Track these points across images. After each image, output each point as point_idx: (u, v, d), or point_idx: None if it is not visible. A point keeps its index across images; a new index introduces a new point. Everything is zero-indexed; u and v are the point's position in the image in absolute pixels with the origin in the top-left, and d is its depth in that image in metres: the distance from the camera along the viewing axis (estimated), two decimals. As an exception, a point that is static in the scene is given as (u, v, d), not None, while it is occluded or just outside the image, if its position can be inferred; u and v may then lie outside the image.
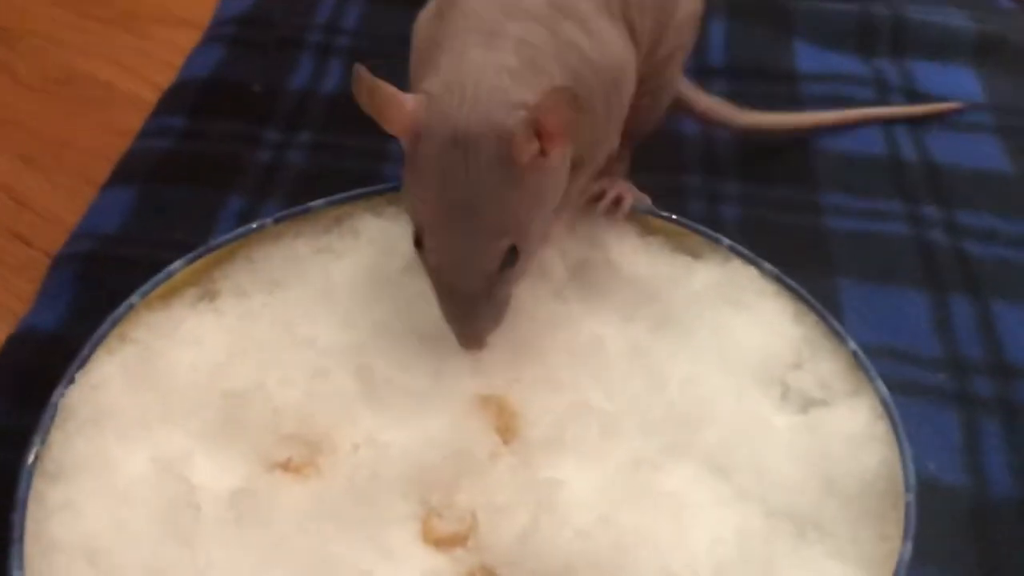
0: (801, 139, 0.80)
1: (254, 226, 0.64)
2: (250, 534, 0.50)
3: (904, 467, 0.53)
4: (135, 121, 0.80)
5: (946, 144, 0.80)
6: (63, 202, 0.75)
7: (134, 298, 0.59)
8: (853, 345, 0.59)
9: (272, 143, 0.78)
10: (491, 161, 0.51)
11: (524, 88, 0.52)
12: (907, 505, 0.51)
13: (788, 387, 0.59)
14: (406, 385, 0.55)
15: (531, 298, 0.59)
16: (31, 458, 0.51)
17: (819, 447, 0.55)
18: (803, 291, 0.61)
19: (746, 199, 0.75)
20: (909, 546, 0.50)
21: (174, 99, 0.82)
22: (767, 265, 0.63)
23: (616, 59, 0.59)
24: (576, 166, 0.58)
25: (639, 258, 0.64)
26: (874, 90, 0.85)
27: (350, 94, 0.82)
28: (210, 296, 0.62)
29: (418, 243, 0.54)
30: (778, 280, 0.62)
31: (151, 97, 0.83)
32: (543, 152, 0.52)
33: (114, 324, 0.58)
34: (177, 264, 0.61)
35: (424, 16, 0.60)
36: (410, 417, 0.54)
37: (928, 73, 0.86)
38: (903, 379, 0.63)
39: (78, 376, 0.55)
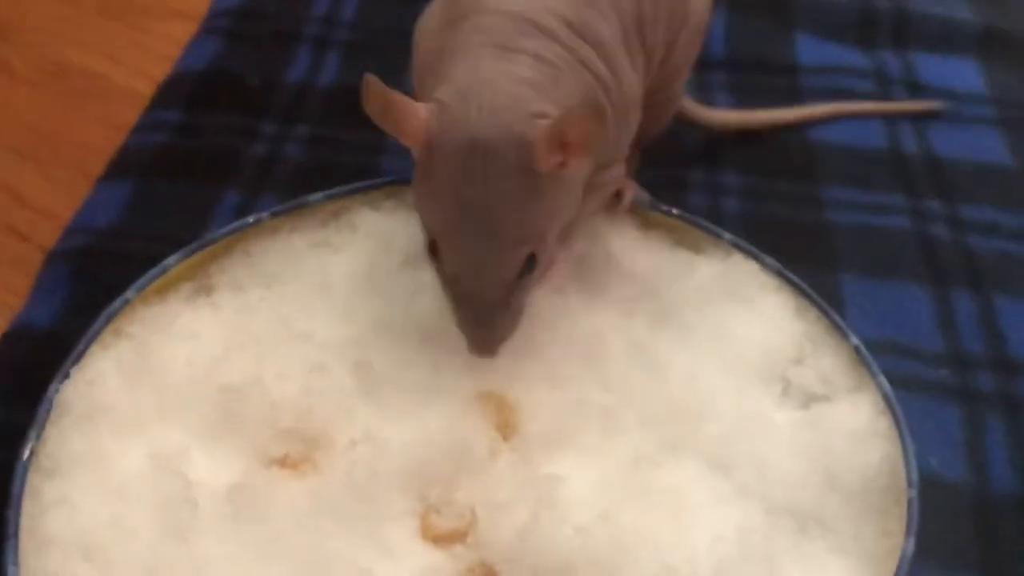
0: (802, 133, 0.79)
1: (251, 220, 0.63)
2: (247, 530, 0.50)
3: (906, 463, 0.53)
4: (131, 115, 0.80)
5: (948, 138, 0.80)
6: (58, 196, 0.75)
7: (129, 293, 0.59)
8: (855, 340, 0.58)
9: (269, 137, 0.78)
10: (511, 169, 0.50)
11: (543, 99, 0.52)
12: (909, 501, 0.51)
13: (789, 382, 0.59)
14: (405, 380, 0.55)
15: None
16: (26, 454, 0.51)
17: (821, 443, 0.55)
18: (805, 286, 0.61)
19: (748, 193, 0.75)
20: (912, 542, 0.50)
21: (170, 92, 0.82)
22: (769, 259, 0.63)
23: (629, 93, 0.59)
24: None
25: (639, 253, 0.64)
26: (875, 83, 0.84)
27: (347, 87, 0.82)
28: (206, 291, 0.61)
29: (432, 252, 0.53)
30: (780, 275, 0.62)
31: (147, 90, 0.82)
32: (563, 162, 0.51)
33: (109, 319, 0.57)
34: (173, 258, 0.61)
35: (428, 25, 0.59)
36: (409, 413, 0.54)
37: (930, 66, 0.86)
38: (905, 374, 0.62)
39: (73, 371, 0.55)
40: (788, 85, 0.84)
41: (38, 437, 0.52)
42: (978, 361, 0.65)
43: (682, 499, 0.52)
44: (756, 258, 0.63)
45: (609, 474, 0.53)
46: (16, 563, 0.48)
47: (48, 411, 0.53)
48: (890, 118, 0.81)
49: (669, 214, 0.65)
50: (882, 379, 0.56)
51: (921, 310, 0.67)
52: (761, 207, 0.74)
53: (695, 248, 0.64)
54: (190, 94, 0.81)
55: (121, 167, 0.75)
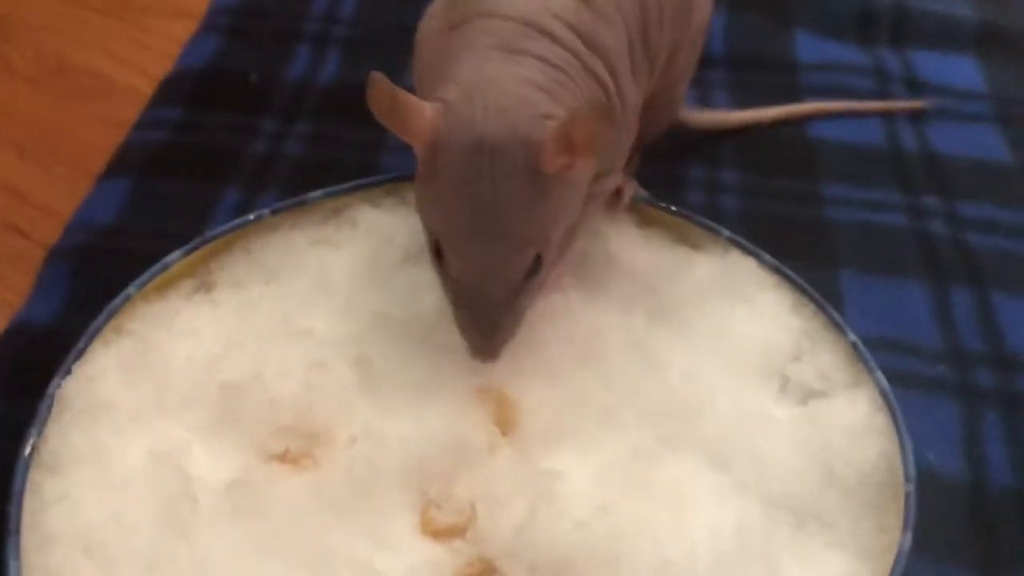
0: (801, 130, 0.80)
1: (251, 217, 0.64)
2: (247, 525, 0.50)
3: (904, 458, 0.53)
4: (131, 112, 0.80)
5: (947, 135, 0.80)
6: (59, 194, 0.75)
7: (130, 289, 0.59)
8: (853, 336, 0.58)
9: (269, 134, 0.78)
10: (517, 170, 0.50)
11: (550, 101, 0.52)
12: (907, 496, 0.51)
13: (788, 379, 0.59)
14: (404, 377, 0.55)
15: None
16: (27, 450, 0.51)
17: (819, 439, 0.55)
18: (803, 282, 0.61)
19: (746, 190, 0.75)
20: (909, 537, 0.50)
21: (170, 90, 0.82)
22: (767, 256, 0.63)
23: (629, 102, 0.59)
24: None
25: (638, 250, 0.64)
26: (874, 80, 0.84)
27: (347, 85, 0.83)
28: (207, 287, 0.62)
29: (436, 253, 0.53)
30: (778, 271, 0.62)
31: (147, 88, 0.83)
32: (570, 164, 0.51)
33: (110, 316, 0.57)
34: (174, 255, 0.61)
35: (431, 25, 0.59)
36: (408, 409, 0.54)
37: (929, 63, 0.86)
38: (903, 370, 0.63)
39: (74, 368, 0.55)
40: (787, 83, 0.84)
41: (39, 433, 0.52)
42: (976, 357, 0.65)
43: (681, 494, 0.52)
44: (755, 255, 0.63)
45: (608, 469, 0.53)
46: (17, 559, 0.48)
47: (49, 407, 0.53)
48: (877, 116, 0.81)
49: (668, 211, 0.65)
50: (880, 375, 0.57)
51: (919, 307, 0.68)
52: (760, 204, 0.74)
53: (694, 245, 0.64)
54: (190, 92, 0.81)
55: (121, 165, 0.75)
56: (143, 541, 0.49)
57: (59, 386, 0.54)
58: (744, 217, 0.72)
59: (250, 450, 0.54)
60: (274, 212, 0.64)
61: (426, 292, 0.60)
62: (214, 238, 0.62)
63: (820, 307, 0.60)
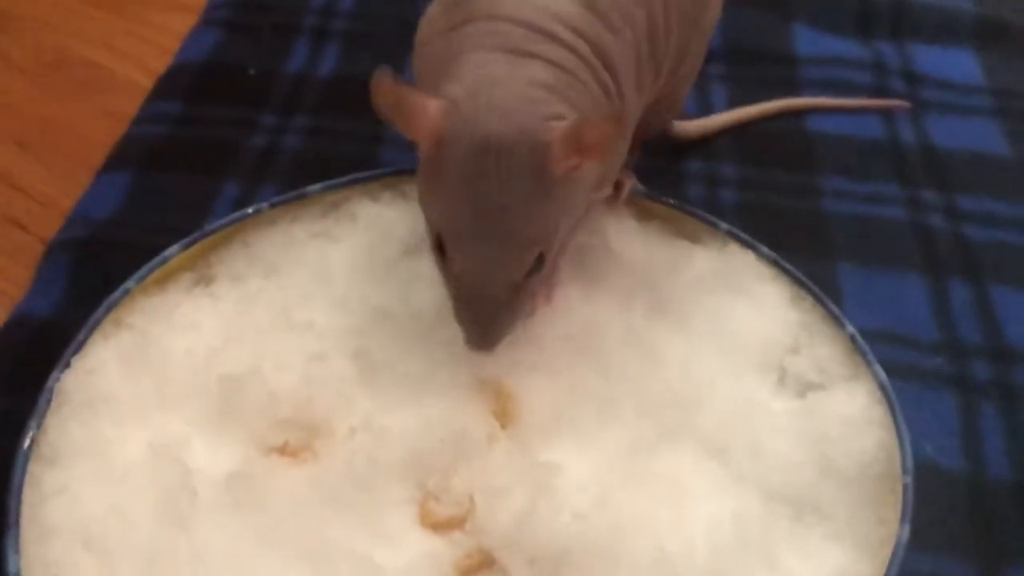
0: (800, 123, 0.80)
1: (250, 211, 0.64)
2: (247, 518, 0.50)
3: (902, 450, 0.53)
4: (130, 106, 0.80)
5: (945, 128, 0.80)
6: (58, 187, 0.75)
7: (130, 283, 0.59)
8: (851, 329, 0.59)
9: (268, 127, 0.78)
10: (524, 170, 0.50)
11: (558, 102, 0.52)
12: (905, 488, 0.51)
13: (786, 371, 0.59)
14: (403, 369, 0.55)
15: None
16: (27, 443, 0.51)
17: (817, 431, 0.55)
18: (801, 275, 0.61)
19: (744, 183, 0.75)
20: (907, 528, 0.50)
21: (169, 84, 0.82)
22: (765, 249, 0.63)
23: (631, 113, 0.59)
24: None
25: (637, 243, 0.64)
26: (873, 74, 0.84)
27: (346, 78, 0.83)
28: (206, 281, 0.62)
29: (439, 249, 0.53)
30: (776, 264, 0.62)
31: (146, 82, 0.82)
32: (577, 165, 0.51)
33: (109, 309, 0.58)
34: (173, 249, 0.61)
35: (433, 24, 0.58)
36: (407, 401, 0.54)
37: (928, 56, 0.86)
38: (901, 363, 0.63)
39: (74, 361, 0.55)
40: (786, 76, 0.84)
41: (38, 426, 0.52)
42: (974, 350, 0.65)
43: (679, 486, 0.52)
44: (753, 248, 0.63)
45: (606, 461, 0.53)
46: (17, 552, 0.48)
47: (48, 400, 0.53)
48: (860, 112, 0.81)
49: (667, 204, 0.65)
50: (878, 367, 0.57)
51: (917, 299, 0.68)
52: (758, 197, 0.74)
53: (692, 238, 0.64)
54: (190, 86, 0.81)
55: (121, 158, 0.75)
56: (142, 534, 0.49)
57: (58, 379, 0.54)
58: (743, 210, 0.72)
59: (249, 443, 0.54)
60: (273, 206, 0.64)
61: (425, 286, 0.60)
62: (213, 231, 0.62)
63: (818, 300, 0.60)
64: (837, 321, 0.59)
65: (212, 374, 0.55)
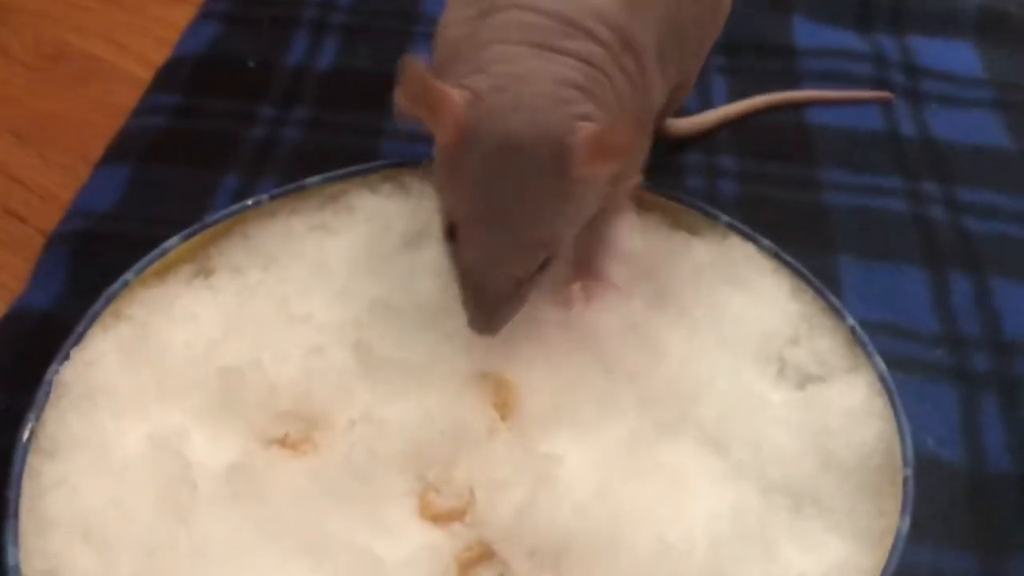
0: (799, 115, 0.79)
1: (249, 203, 0.64)
2: (247, 510, 0.50)
3: (902, 442, 0.53)
4: (129, 98, 0.80)
5: (946, 120, 0.80)
6: (57, 179, 0.75)
7: (129, 275, 0.59)
8: (851, 321, 0.59)
9: (267, 120, 0.78)
10: (544, 172, 0.49)
11: (586, 101, 0.51)
12: (905, 479, 0.51)
13: (786, 363, 0.59)
14: (403, 361, 0.55)
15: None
16: (26, 435, 0.51)
17: (817, 423, 0.55)
18: (801, 267, 0.61)
19: (744, 175, 0.75)
20: (907, 520, 0.50)
21: (168, 76, 0.82)
22: (765, 241, 0.63)
23: (655, 102, 0.59)
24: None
25: (636, 235, 0.64)
26: (873, 66, 0.84)
27: (346, 71, 0.82)
28: (205, 273, 0.62)
29: (449, 236, 0.53)
30: (776, 256, 0.62)
31: (145, 74, 0.82)
32: (599, 170, 0.50)
33: (109, 300, 0.57)
34: (172, 240, 0.61)
35: (459, 11, 0.57)
36: (407, 393, 0.54)
37: (928, 49, 0.86)
38: (901, 355, 0.63)
39: (73, 353, 0.55)
40: (785, 68, 0.84)
41: (37, 418, 0.52)
42: (974, 342, 0.65)
43: (679, 478, 0.52)
44: (753, 240, 0.63)
45: (606, 453, 0.53)
46: (16, 544, 0.48)
47: (47, 393, 0.53)
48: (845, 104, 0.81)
49: (666, 196, 0.65)
50: (878, 359, 0.57)
51: (918, 291, 0.68)
52: (758, 190, 0.74)
53: (692, 230, 0.64)
54: (189, 78, 0.81)
55: (120, 151, 0.75)
56: (142, 526, 0.49)
57: (57, 371, 0.54)
58: (742, 203, 0.72)
59: (249, 435, 0.54)
60: (272, 198, 0.64)
61: (425, 277, 0.60)
62: (213, 224, 0.62)
63: (819, 292, 0.60)
64: (837, 313, 0.59)
65: (212, 366, 0.55)
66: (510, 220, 0.50)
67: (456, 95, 0.50)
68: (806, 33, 0.87)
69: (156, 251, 0.60)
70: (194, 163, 0.74)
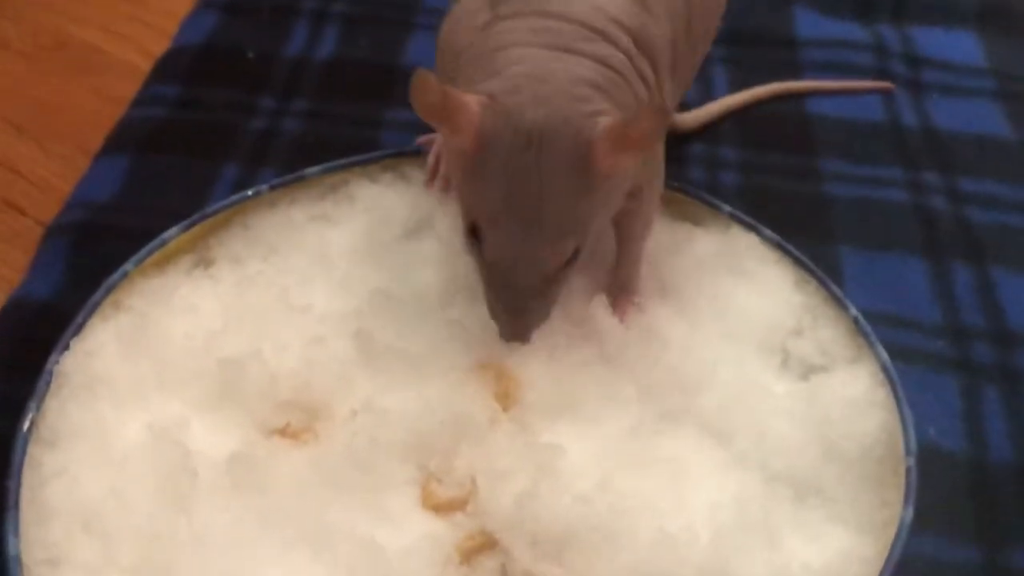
0: (800, 106, 0.79)
1: (249, 193, 0.64)
2: (247, 500, 0.50)
3: (904, 432, 0.53)
4: (128, 89, 0.80)
5: (947, 110, 0.80)
6: (56, 170, 0.75)
7: (128, 265, 0.59)
8: (854, 311, 0.59)
9: (267, 110, 0.77)
10: (566, 165, 0.49)
11: (604, 100, 0.51)
12: (908, 469, 0.51)
13: (789, 354, 0.59)
14: (404, 351, 0.55)
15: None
16: (26, 425, 0.51)
17: (819, 413, 0.55)
18: (804, 258, 0.61)
19: (746, 167, 0.75)
20: (910, 510, 0.50)
21: (168, 67, 0.82)
22: (768, 232, 0.63)
23: (668, 103, 0.59)
24: None
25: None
26: (874, 56, 0.84)
27: (345, 61, 0.82)
28: (205, 263, 0.62)
29: (472, 235, 0.52)
30: (779, 247, 0.62)
31: (145, 65, 0.82)
32: (621, 161, 0.50)
33: (108, 291, 0.57)
34: (172, 231, 0.61)
35: (471, 17, 0.57)
36: (408, 383, 0.54)
37: (929, 38, 0.86)
38: (903, 346, 0.62)
39: (73, 343, 0.55)
40: (787, 59, 0.84)
41: (38, 408, 0.52)
42: (976, 333, 0.65)
43: (681, 468, 0.52)
44: (755, 230, 0.63)
45: (608, 443, 0.53)
46: (16, 534, 0.48)
47: (48, 383, 0.53)
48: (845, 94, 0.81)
49: (669, 187, 0.65)
50: (880, 349, 0.57)
51: (919, 282, 0.68)
52: (759, 180, 0.74)
53: (694, 221, 0.64)
54: (188, 68, 0.81)
55: (119, 141, 0.75)
56: (142, 516, 0.49)
57: (57, 361, 0.54)
58: (744, 194, 0.72)
59: (250, 425, 0.54)
60: (272, 188, 0.64)
61: (425, 267, 0.60)
62: (212, 214, 0.62)
63: (821, 282, 0.60)
64: (840, 303, 0.59)
65: (212, 356, 0.55)
66: (534, 214, 0.50)
67: (473, 100, 0.50)
68: (807, 23, 0.87)
69: (156, 242, 0.60)
70: (194, 154, 0.74)
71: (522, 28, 0.53)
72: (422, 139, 0.67)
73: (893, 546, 0.49)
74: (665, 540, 0.48)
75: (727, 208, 0.64)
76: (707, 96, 0.79)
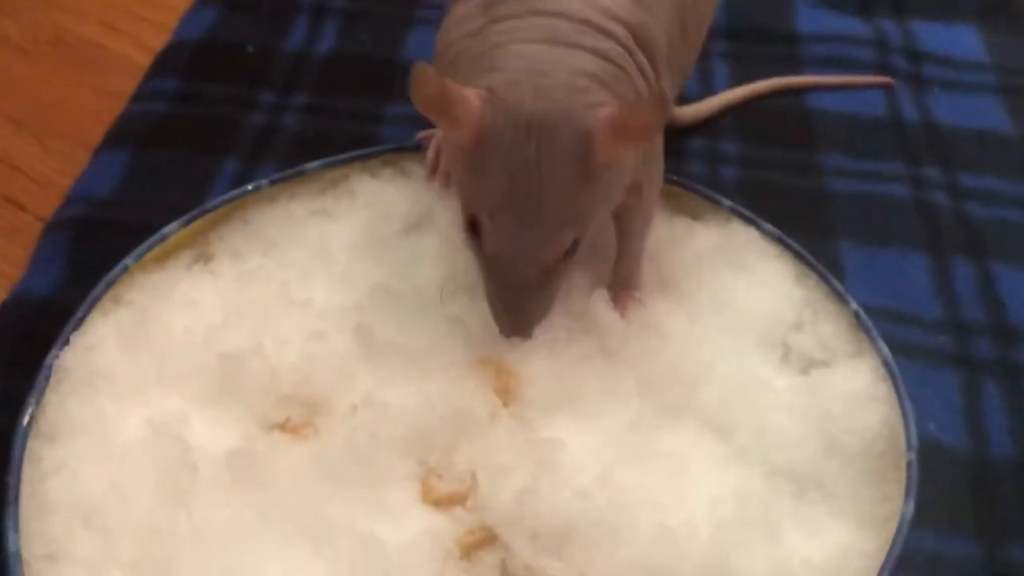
0: (800, 100, 0.79)
1: (249, 188, 0.64)
2: (247, 494, 0.50)
3: (906, 426, 0.53)
4: (128, 84, 0.80)
5: (948, 105, 0.80)
6: (56, 166, 0.75)
7: (128, 260, 0.59)
8: (855, 306, 0.58)
9: (267, 105, 0.77)
10: (566, 156, 0.49)
11: (603, 91, 0.51)
12: (909, 464, 0.51)
13: (789, 348, 0.59)
14: (404, 346, 0.55)
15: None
16: (25, 420, 0.51)
17: (820, 407, 0.55)
18: (805, 252, 0.61)
19: (746, 161, 0.75)
20: (911, 505, 0.50)
21: (167, 61, 0.82)
22: (768, 226, 0.63)
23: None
24: None
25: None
26: (875, 51, 0.84)
27: (345, 56, 0.82)
28: (205, 258, 0.62)
29: (471, 229, 0.52)
30: (779, 241, 0.62)
31: (144, 60, 0.82)
32: (621, 152, 0.50)
33: (108, 286, 0.57)
34: (172, 226, 0.61)
35: (465, 21, 0.57)
36: (408, 378, 0.54)
37: (930, 33, 0.86)
38: (904, 341, 0.62)
39: (73, 338, 0.55)
40: (788, 54, 0.84)
41: (38, 403, 0.52)
42: (977, 328, 0.65)
43: (681, 462, 0.52)
44: (755, 225, 0.63)
45: (608, 438, 0.52)
46: (16, 529, 0.48)
47: (47, 377, 0.53)
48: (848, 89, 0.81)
49: (668, 181, 0.65)
50: (881, 344, 0.57)
51: (920, 277, 0.67)
52: (760, 175, 0.73)
53: (694, 215, 0.64)
54: (188, 63, 0.81)
55: (119, 136, 0.75)
56: (142, 511, 0.49)
57: (57, 356, 0.54)
58: (744, 188, 0.72)
59: (250, 420, 0.53)
60: (272, 183, 0.64)
61: (425, 262, 0.60)
62: (212, 209, 0.62)
63: (822, 277, 0.60)
64: (841, 298, 0.59)
65: (212, 351, 0.55)
66: (535, 205, 0.50)
67: (472, 94, 0.50)
68: (808, 18, 0.87)
69: (155, 236, 0.60)
70: (193, 148, 0.74)
71: (519, 27, 0.53)
72: (422, 134, 0.67)
73: (894, 541, 0.49)
74: (665, 534, 0.48)
75: (727, 202, 0.64)
76: (707, 90, 0.79)
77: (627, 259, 0.60)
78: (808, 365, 0.58)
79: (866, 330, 0.57)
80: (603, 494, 0.49)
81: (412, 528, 0.49)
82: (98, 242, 0.66)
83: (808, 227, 0.68)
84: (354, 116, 0.76)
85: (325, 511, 0.49)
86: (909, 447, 0.52)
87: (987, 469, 0.58)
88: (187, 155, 0.73)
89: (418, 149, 0.66)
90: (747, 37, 0.85)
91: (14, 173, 0.75)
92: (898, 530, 0.49)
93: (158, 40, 0.84)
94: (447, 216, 0.62)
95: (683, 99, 0.76)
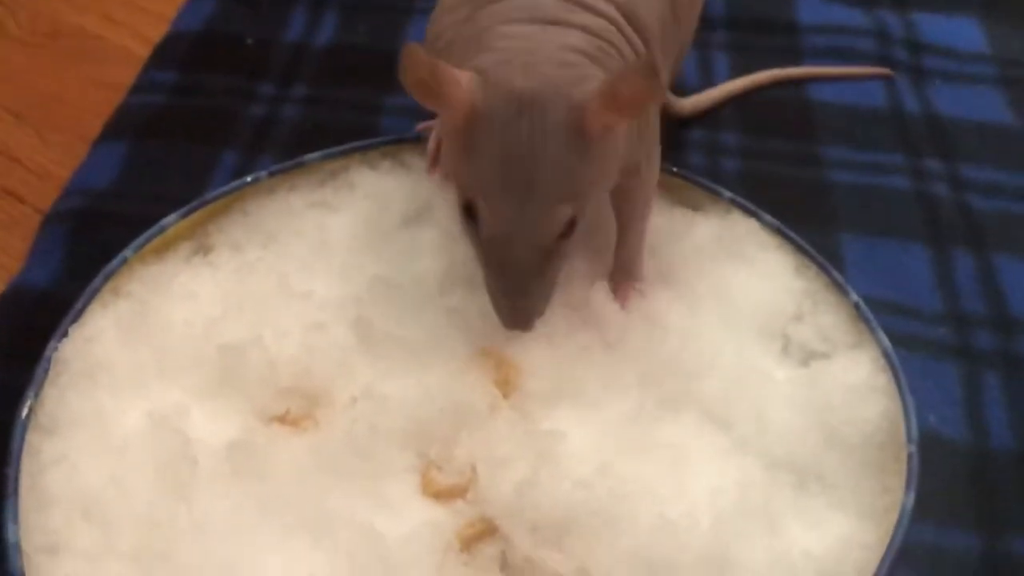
0: (801, 92, 0.79)
1: (248, 179, 0.63)
2: (247, 487, 0.50)
3: (906, 418, 0.53)
4: (127, 75, 0.79)
5: (949, 97, 0.79)
6: (54, 158, 0.75)
7: (127, 252, 0.59)
8: (855, 297, 0.58)
9: (266, 97, 0.77)
10: (559, 129, 0.49)
11: (593, 66, 0.51)
12: (909, 456, 0.51)
13: (789, 339, 0.59)
14: (404, 338, 0.55)
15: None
16: (24, 412, 0.51)
17: (820, 399, 0.55)
18: (805, 244, 0.61)
19: (746, 152, 0.74)
20: (912, 497, 0.50)
21: (166, 53, 0.81)
22: (768, 218, 0.62)
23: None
24: None
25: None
26: (876, 42, 0.84)
27: (344, 47, 0.82)
28: (204, 250, 0.61)
29: (468, 214, 0.51)
30: (779, 233, 0.62)
31: (142, 51, 0.82)
32: (613, 124, 0.50)
33: (107, 278, 0.57)
34: (171, 218, 0.61)
35: (452, 10, 0.57)
36: (408, 370, 0.54)
37: (932, 25, 0.86)
38: (904, 333, 0.62)
39: (72, 330, 0.55)
40: (788, 45, 0.84)
41: (36, 396, 0.52)
42: (977, 320, 0.65)
43: (681, 454, 0.52)
44: (756, 216, 0.63)
45: (608, 429, 0.53)
46: (16, 521, 0.48)
47: (46, 370, 0.53)
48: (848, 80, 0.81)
49: (668, 173, 0.65)
50: (882, 335, 0.56)
51: (921, 269, 0.67)
52: (760, 166, 0.73)
53: (694, 206, 0.64)
54: (186, 55, 0.81)
55: (118, 128, 0.75)
56: (142, 503, 0.49)
57: (56, 348, 0.54)
58: (744, 180, 0.72)
59: (249, 412, 0.53)
60: (272, 174, 0.64)
61: (425, 254, 0.59)
62: (212, 200, 0.62)
63: (822, 268, 0.60)
64: (841, 289, 0.59)
65: (211, 343, 0.55)
66: (529, 181, 0.49)
67: (463, 75, 0.49)
68: (809, 9, 0.87)
69: (155, 228, 0.60)
70: (192, 140, 0.74)
71: (506, 8, 0.53)
72: (422, 126, 0.67)
73: (894, 533, 0.49)
74: (665, 526, 0.48)
75: (727, 194, 0.64)
76: (708, 82, 0.79)
77: (628, 245, 0.60)
78: (808, 356, 0.58)
79: (866, 321, 0.57)
80: (603, 485, 0.49)
81: (412, 520, 0.49)
82: (97, 234, 0.66)
83: (808, 218, 0.68)
84: (353, 107, 0.76)
85: (325, 503, 0.49)
86: (909, 439, 0.52)
87: (987, 461, 0.58)
88: (186, 147, 0.73)
89: (418, 141, 0.66)
90: (747, 28, 0.85)
91: (13, 165, 0.75)
92: (898, 522, 0.49)
93: (157, 31, 0.83)
94: (446, 208, 0.61)
95: (683, 90, 0.76)
